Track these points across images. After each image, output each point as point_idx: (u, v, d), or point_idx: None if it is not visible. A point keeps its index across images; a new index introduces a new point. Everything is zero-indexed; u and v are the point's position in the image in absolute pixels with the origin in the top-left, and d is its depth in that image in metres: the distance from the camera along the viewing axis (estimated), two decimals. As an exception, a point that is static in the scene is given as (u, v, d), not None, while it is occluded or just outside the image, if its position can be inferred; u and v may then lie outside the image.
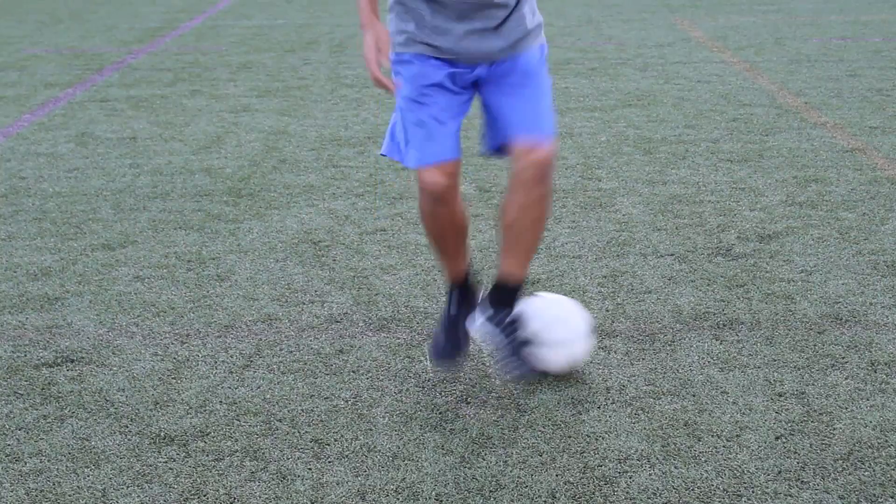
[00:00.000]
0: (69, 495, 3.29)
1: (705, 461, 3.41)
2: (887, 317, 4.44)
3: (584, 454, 3.47)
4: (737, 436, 3.55)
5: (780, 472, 3.34)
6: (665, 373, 4.00)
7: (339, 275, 5.01)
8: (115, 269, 5.14)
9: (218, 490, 3.31)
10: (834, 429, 3.58)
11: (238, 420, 3.72)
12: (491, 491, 3.28)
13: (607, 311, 4.54)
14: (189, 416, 3.75)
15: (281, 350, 4.26)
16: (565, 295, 4.43)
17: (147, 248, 5.40)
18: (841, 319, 4.42)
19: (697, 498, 3.22)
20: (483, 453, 3.49)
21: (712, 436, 3.56)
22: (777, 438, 3.53)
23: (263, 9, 15.16)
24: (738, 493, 3.24)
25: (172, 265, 5.17)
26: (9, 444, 3.58)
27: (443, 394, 3.88)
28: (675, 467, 3.38)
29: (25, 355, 4.24)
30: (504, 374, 3.87)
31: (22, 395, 3.93)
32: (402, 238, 5.48)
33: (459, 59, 3.63)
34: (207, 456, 3.49)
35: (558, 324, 3.92)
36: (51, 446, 3.56)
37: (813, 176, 6.39)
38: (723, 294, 4.69)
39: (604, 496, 3.24)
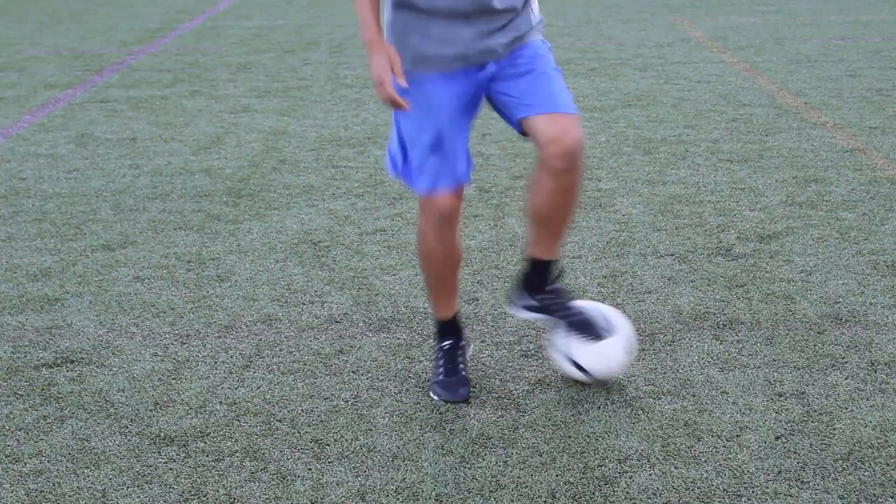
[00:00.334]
0: (69, 496, 3.29)
1: (705, 461, 3.41)
2: (887, 317, 4.44)
3: (584, 454, 3.47)
4: (737, 436, 3.55)
5: (780, 472, 3.34)
6: (665, 373, 4.00)
7: (339, 275, 5.01)
8: (115, 269, 5.14)
9: (218, 490, 3.31)
10: (834, 429, 3.58)
11: (238, 420, 3.72)
12: (491, 491, 3.28)
13: (607, 311, 4.54)
14: (189, 416, 3.75)
15: (281, 350, 4.26)
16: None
17: (147, 249, 5.40)
18: (841, 319, 4.42)
19: (697, 498, 3.22)
20: (483, 453, 3.49)
21: (712, 436, 3.56)
22: (777, 438, 3.53)
23: (263, 9, 15.16)
24: (738, 493, 3.24)
25: (172, 266, 5.17)
26: (9, 445, 3.58)
27: (443, 394, 3.89)
28: (675, 467, 3.38)
29: (25, 356, 4.24)
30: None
31: (22, 395, 3.93)
32: (402, 238, 5.48)
33: (469, 62, 3.58)
34: (207, 456, 3.49)
35: (600, 357, 3.84)
36: (51, 447, 3.56)
37: (813, 176, 6.39)
38: (723, 294, 4.69)
39: (604, 496, 3.24)
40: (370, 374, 4.04)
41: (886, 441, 3.50)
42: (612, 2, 15.14)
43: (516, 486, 3.30)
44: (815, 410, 3.70)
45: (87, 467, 3.44)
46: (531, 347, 4.23)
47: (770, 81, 9.24)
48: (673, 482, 3.30)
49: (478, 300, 4.68)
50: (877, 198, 5.96)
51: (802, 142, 7.18)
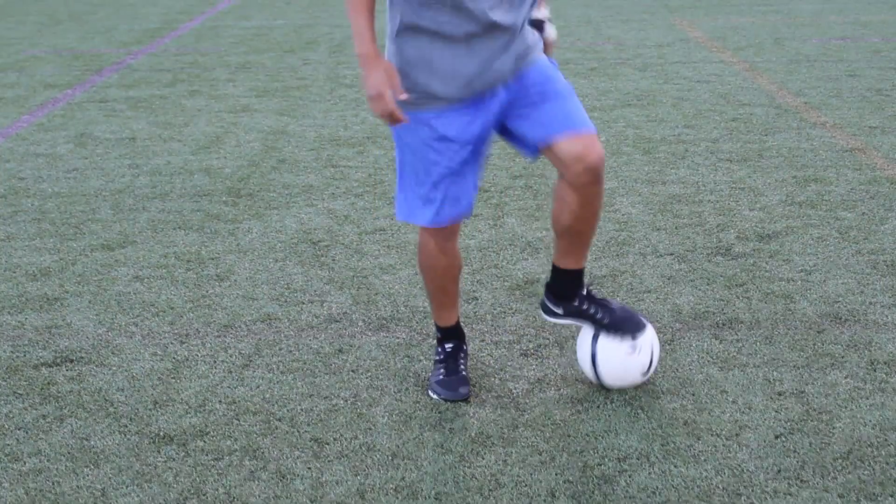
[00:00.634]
0: (68, 495, 3.29)
1: (705, 460, 3.41)
2: (887, 316, 4.44)
3: (584, 453, 3.47)
4: (736, 435, 3.55)
5: (779, 471, 3.34)
6: (664, 372, 4.00)
7: (339, 274, 5.01)
8: (115, 269, 5.14)
9: (217, 489, 3.31)
10: (833, 428, 3.58)
11: (237, 419, 3.72)
12: (490, 490, 3.28)
13: (607, 310, 4.54)
14: (188, 415, 3.75)
15: (280, 350, 4.26)
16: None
17: (146, 249, 5.40)
18: (840, 319, 4.42)
19: (697, 497, 3.22)
20: (482, 452, 3.49)
21: (712, 435, 3.56)
22: (776, 437, 3.53)
23: (263, 9, 15.16)
24: (738, 491, 3.24)
25: (172, 265, 5.17)
26: (8, 444, 3.58)
27: (442, 393, 3.88)
28: (675, 466, 3.38)
29: (25, 355, 4.24)
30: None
31: (21, 394, 3.92)
32: (402, 238, 5.48)
33: (476, 91, 3.52)
34: (207, 455, 3.49)
35: (618, 368, 3.83)
36: (50, 446, 3.56)
37: (812, 176, 6.39)
38: (722, 293, 4.69)
39: (603, 495, 3.24)
40: (369, 374, 4.04)
41: (886, 440, 3.50)
42: (612, 2, 15.14)
43: (516, 485, 3.30)
44: (814, 409, 3.70)
45: (86, 466, 3.44)
46: (530, 347, 4.23)
47: (770, 81, 9.24)
48: (672, 481, 3.30)
49: (477, 299, 4.68)
50: (876, 197, 5.96)
51: (802, 141, 7.18)
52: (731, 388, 3.87)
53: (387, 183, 6.43)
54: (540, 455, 3.46)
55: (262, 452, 3.51)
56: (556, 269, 3.81)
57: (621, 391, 3.84)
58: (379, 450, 3.51)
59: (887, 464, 3.36)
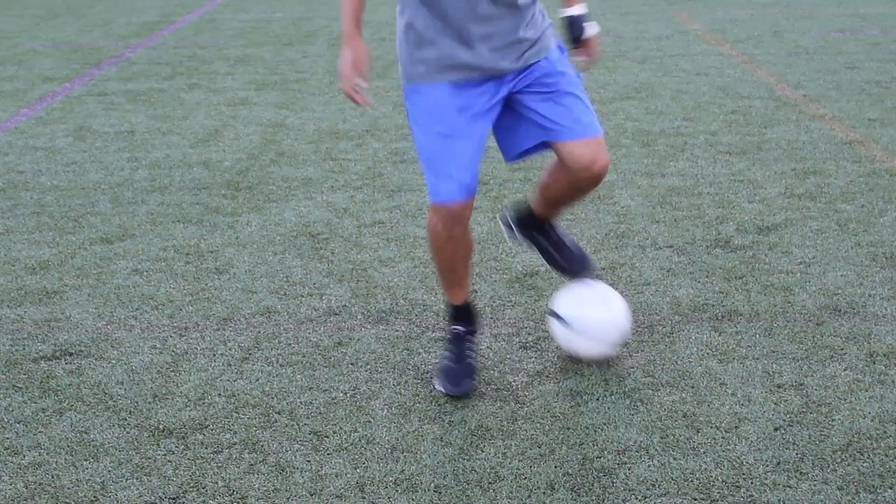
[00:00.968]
0: (68, 488, 3.29)
1: (704, 452, 3.41)
2: (886, 308, 4.44)
3: (583, 446, 3.47)
4: (735, 427, 3.55)
5: (778, 464, 3.34)
6: (664, 364, 4.00)
7: (338, 267, 5.01)
8: (114, 262, 5.14)
9: (217, 482, 3.31)
10: (833, 420, 3.58)
11: (237, 412, 3.72)
12: (490, 483, 3.28)
13: (606, 303, 4.54)
14: (188, 408, 3.75)
15: (279, 343, 4.26)
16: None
17: (145, 242, 5.40)
18: (840, 311, 4.42)
19: (696, 489, 3.22)
20: (482, 445, 3.49)
21: (711, 427, 3.56)
22: (776, 430, 3.53)
23: (261, 2, 15.14)
24: (737, 484, 3.24)
25: (171, 258, 5.17)
26: (7, 438, 3.58)
27: (441, 386, 3.89)
28: (674, 458, 3.38)
29: (24, 349, 4.24)
30: (568, 272, 4.08)
31: (20, 388, 3.92)
32: (401, 230, 5.48)
33: (486, 73, 3.57)
34: (206, 448, 3.49)
35: (597, 327, 3.96)
36: (49, 439, 3.56)
37: (811, 168, 6.39)
38: (721, 286, 4.69)
39: (602, 487, 3.24)
40: (369, 366, 4.04)
41: (885, 432, 3.50)
42: (611, -6, 15.11)
43: (515, 478, 3.30)
44: (813, 402, 3.71)
45: (85, 460, 3.44)
46: (530, 339, 4.23)
47: (769, 74, 9.24)
48: (672, 473, 3.30)
49: (476, 292, 4.67)
50: (875, 189, 5.95)
51: (801, 134, 7.18)
52: (730, 380, 3.87)
53: (385, 176, 6.43)
54: (539, 448, 3.47)
55: (262, 445, 3.51)
56: (529, 209, 4.05)
57: (620, 382, 3.85)
58: (378, 443, 3.51)
59: (886, 456, 3.37)
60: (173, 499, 3.23)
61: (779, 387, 3.81)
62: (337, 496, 3.23)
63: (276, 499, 3.23)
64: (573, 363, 4.01)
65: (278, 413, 3.71)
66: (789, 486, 3.22)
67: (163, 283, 4.87)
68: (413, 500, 3.21)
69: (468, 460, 3.40)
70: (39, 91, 9.14)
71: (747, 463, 3.35)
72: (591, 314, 3.96)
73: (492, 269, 4.95)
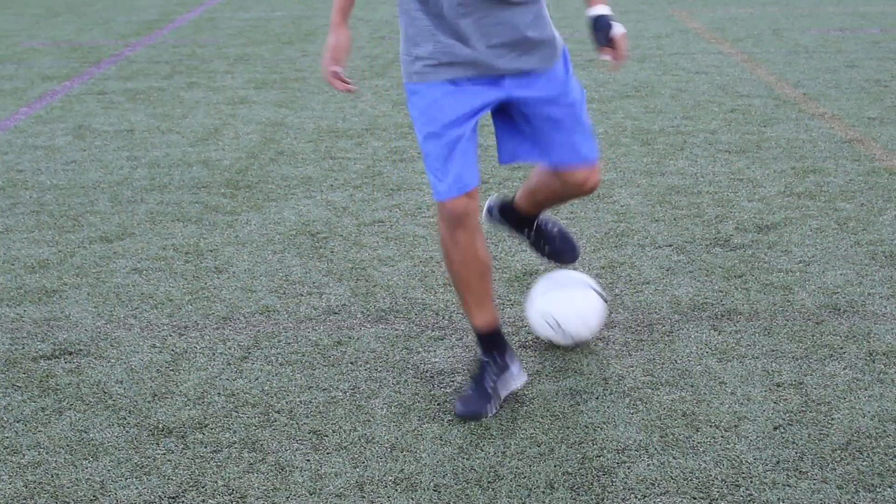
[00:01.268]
0: (67, 487, 3.29)
1: (703, 451, 3.41)
2: (885, 307, 4.44)
3: (583, 445, 3.47)
4: (735, 426, 3.56)
5: (778, 462, 3.34)
6: (663, 363, 4.00)
7: (337, 266, 5.01)
8: (113, 261, 5.14)
9: (216, 482, 3.31)
10: (832, 419, 3.58)
11: (236, 412, 3.72)
12: (489, 482, 3.28)
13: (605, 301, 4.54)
14: (187, 407, 3.75)
15: (279, 342, 4.26)
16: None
17: (145, 241, 5.40)
18: (839, 310, 4.42)
19: (695, 488, 3.23)
20: (481, 444, 3.49)
21: (710, 426, 3.56)
22: (775, 428, 3.53)
23: (261, 1, 15.13)
24: (737, 483, 3.24)
25: (170, 257, 5.17)
26: (7, 437, 3.58)
27: (441, 385, 3.89)
28: (674, 458, 3.38)
29: (23, 348, 4.24)
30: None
31: (20, 387, 3.93)
32: (400, 229, 5.48)
33: (481, 70, 3.56)
34: (206, 448, 3.49)
35: (576, 319, 4.09)
36: (49, 438, 3.56)
37: (811, 167, 6.39)
38: (721, 285, 4.69)
39: (602, 486, 3.25)
40: (368, 366, 4.04)
41: (884, 431, 3.50)
42: (610, -7, 15.10)
43: (515, 477, 3.30)
44: (813, 400, 3.71)
45: (85, 459, 3.44)
46: (529, 338, 4.23)
47: (768, 72, 9.23)
48: (671, 472, 3.30)
49: (476, 291, 4.67)
50: (875, 188, 5.95)
51: (801, 133, 7.18)
52: (729, 379, 3.87)
53: (385, 174, 6.43)
54: (539, 447, 3.47)
55: (261, 444, 3.51)
56: (513, 204, 4.16)
57: (619, 381, 3.85)
58: (378, 442, 3.51)
59: (886, 455, 3.37)
60: (173, 498, 3.24)
61: (778, 386, 3.82)
62: (336, 495, 3.23)
63: (276, 498, 3.23)
64: (573, 362, 4.01)
65: (278, 412, 3.71)
66: (789, 485, 3.22)
67: (162, 281, 4.87)
68: (413, 499, 3.21)
69: (468, 459, 3.41)
70: (39, 90, 9.14)
71: (747, 462, 3.35)
72: (573, 313, 4.09)
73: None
